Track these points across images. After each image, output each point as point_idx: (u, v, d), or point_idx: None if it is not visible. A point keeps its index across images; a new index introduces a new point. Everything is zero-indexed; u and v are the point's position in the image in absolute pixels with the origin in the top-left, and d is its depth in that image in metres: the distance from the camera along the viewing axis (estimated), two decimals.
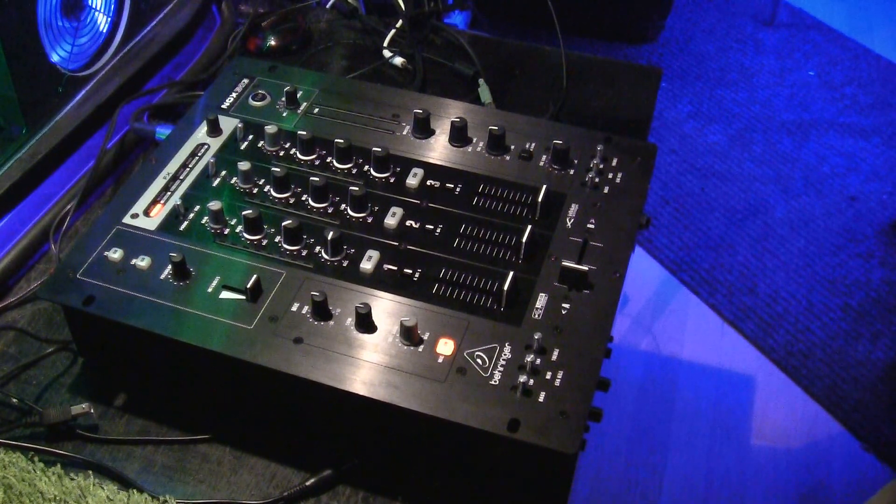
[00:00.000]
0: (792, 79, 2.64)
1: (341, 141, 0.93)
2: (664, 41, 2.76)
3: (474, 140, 0.96)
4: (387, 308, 0.81)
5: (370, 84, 1.05)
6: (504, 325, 0.79)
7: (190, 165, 0.94)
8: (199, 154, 0.95)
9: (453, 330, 0.78)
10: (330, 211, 0.89)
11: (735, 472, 1.76)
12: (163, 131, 1.11)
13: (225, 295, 0.82)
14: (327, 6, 1.33)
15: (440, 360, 0.76)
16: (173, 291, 0.82)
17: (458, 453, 0.78)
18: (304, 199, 0.90)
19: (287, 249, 0.86)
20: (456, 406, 0.73)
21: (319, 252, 0.85)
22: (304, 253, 0.85)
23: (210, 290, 0.82)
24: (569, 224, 0.87)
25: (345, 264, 0.84)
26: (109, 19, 1.16)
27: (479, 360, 0.76)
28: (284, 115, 1.00)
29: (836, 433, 1.83)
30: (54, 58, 1.07)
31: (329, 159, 0.94)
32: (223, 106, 1.01)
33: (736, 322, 2.01)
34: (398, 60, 1.23)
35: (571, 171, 0.92)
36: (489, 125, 0.95)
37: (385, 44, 1.25)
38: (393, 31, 1.26)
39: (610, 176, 0.92)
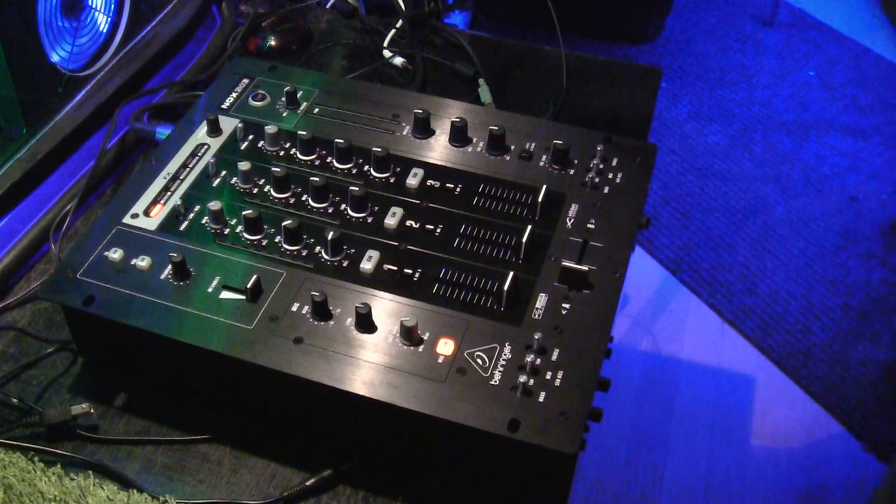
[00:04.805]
0: (792, 79, 2.64)
1: (341, 141, 0.93)
2: (664, 41, 2.76)
3: (474, 140, 0.96)
4: (387, 308, 0.81)
5: (370, 84, 1.05)
6: (504, 325, 0.79)
7: (190, 165, 0.94)
8: (199, 154, 0.95)
9: (453, 330, 0.78)
10: (330, 211, 0.89)
11: (735, 472, 1.76)
12: (163, 131, 1.11)
13: (225, 295, 0.82)
14: (327, 6, 1.33)
15: (440, 360, 0.76)
16: (173, 291, 0.82)
17: (458, 453, 0.78)
18: (304, 199, 0.90)
19: (287, 249, 0.86)
20: (456, 406, 0.73)
21: (319, 252, 0.85)
22: (304, 253, 0.85)
23: (210, 290, 0.82)
24: (569, 224, 0.87)
25: (345, 264, 0.84)
26: (109, 19, 1.16)
27: (479, 360, 0.76)
28: (284, 115, 1.00)
29: (836, 433, 1.83)
30: (54, 58, 1.07)
31: (329, 159, 0.94)
32: (223, 106, 1.01)
33: (736, 322, 2.01)
34: (398, 60, 1.23)
35: (571, 171, 0.92)
36: (489, 125, 0.95)
37: (385, 44, 1.25)
38: (393, 31, 1.26)
39: (610, 176, 0.92)
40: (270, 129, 0.96)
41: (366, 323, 0.79)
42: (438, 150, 0.96)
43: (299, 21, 1.28)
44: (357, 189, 0.88)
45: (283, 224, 0.85)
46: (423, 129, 0.97)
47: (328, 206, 0.90)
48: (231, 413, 0.85)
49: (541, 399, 0.73)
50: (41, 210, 1.05)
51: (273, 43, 1.25)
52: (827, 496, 1.73)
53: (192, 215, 0.89)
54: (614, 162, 0.93)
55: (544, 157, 0.94)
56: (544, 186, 0.88)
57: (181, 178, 0.93)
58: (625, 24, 2.72)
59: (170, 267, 0.83)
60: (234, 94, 1.02)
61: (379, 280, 0.83)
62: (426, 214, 0.89)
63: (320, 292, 0.79)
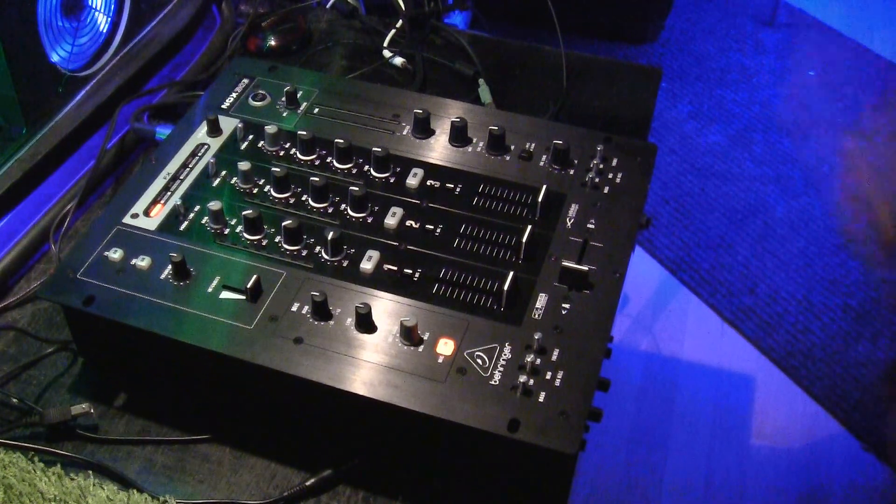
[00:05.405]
0: (792, 79, 2.64)
1: (341, 141, 0.93)
2: (664, 41, 2.76)
3: (474, 140, 0.96)
4: (387, 308, 0.81)
5: (370, 84, 1.05)
6: (504, 325, 0.79)
7: (190, 165, 0.94)
8: (199, 154, 0.95)
9: (453, 330, 0.78)
10: (330, 211, 0.89)
11: (735, 473, 1.76)
12: (163, 131, 1.11)
13: (225, 295, 0.82)
14: (327, 6, 1.33)
15: (440, 360, 0.76)
16: (173, 291, 0.82)
17: (458, 453, 0.78)
18: (304, 199, 0.90)
19: (287, 249, 0.86)
20: (456, 406, 0.73)
21: (319, 252, 0.85)
22: (304, 253, 0.85)
23: (210, 290, 0.82)
24: (569, 224, 0.87)
25: (345, 264, 0.84)
26: (109, 19, 1.16)
27: (479, 360, 0.76)
28: (284, 115, 1.00)
29: (836, 433, 1.83)
30: (54, 58, 1.07)
31: (329, 159, 0.94)
32: (223, 106, 1.01)
33: (736, 322, 2.01)
34: (398, 60, 1.23)
35: (571, 171, 0.92)
36: (489, 125, 0.95)
37: (385, 44, 1.25)
38: (393, 31, 1.26)
39: (610, 176, 0.92)
40: (270, 129, 0.96)
41: (366, 323, 0.79)
42: (438, 150, 0.96)
43: (299, 21, 1.28)
44: (357, 189, 0.88)
45: (283, 224, 0.85)
46: (423, 129, 0.97)
47: (328, 206, 0.90)
48: (231, 413, 0.85)
49: (541, 399, 0.73)
50: (41, 210, 1.05)
51: (273, 43, 1.25)
52: (827, 496, 1.73)
53: (192, 215, 0.89)
54: (614, 162, 0.93)
55: (544, 157, 0.94)
56: (544, 186, 0.88)
57: (181, 178, 0.93)
58: (625, 24, 2.72)
59: (170, 267, 0.83)
60: (234, 94, 1.02)
61: (379, 280, 0.83)
62: (426, 214, 0.89)
63: (320, 292, 0.79)
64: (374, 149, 0.92)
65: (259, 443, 0.84)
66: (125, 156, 1.12)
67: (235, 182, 0.92)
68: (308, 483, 0.80)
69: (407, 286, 0.82)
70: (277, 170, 0.90)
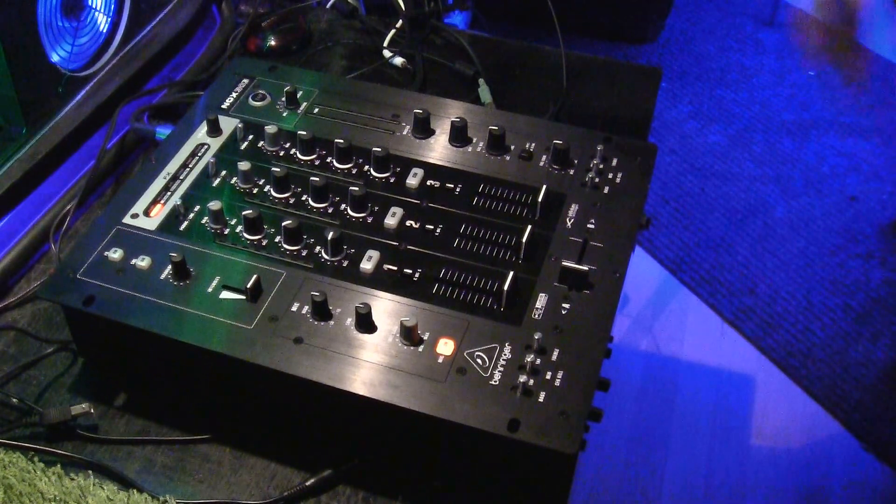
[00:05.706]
0: (792, 79, 2.64)
1: (341, 141, 0.93)
2: (664, 41, 2.76)
3: (474, 140, 0.96)
4: (387, 308, 0.81)
5: (370, 84, 1.05)
6: (504, 325, 0.79)
7: (190, 165, 0.94)
8: (199, 154, 0.95)
9: (453, 330, 0.78)
10: (330, 211, 0.89)
11: (735, 473, 1.76)
12: (163, 131, 1.11)
13: (225, 295, 0.82)
14: (327, 6, 1.33)
15: (440, 360, 0.76)
16: (173, 291, 0.82)
17: (458, 453, 0.78)
18: (304, 199, 0.90)
19: (287, 249, 0.86)
20: (456, 406, 0.73)
21: (319, 252, 0.85)
22: (304, 253, 0.85)
23: (210, 290, 0.82)
24: (569, 224, 0.87)
25: (345, 264, 0.84)
26: (109, 19, 1.16)
27: (479, 360, 0.76)
28: (284, 115, 1.00)
29: (836, 433, 1.83)
30: (54, 58, 1.07)
31: (329, 159, 0.94)
32: (223, 106, 1.01)
33: (736, 322, 2.01)
34: (398, 60, 1.23)
35: (571, 171, 0.92)
36: (489, 125, 0.95)
37: (385, 44, 1.25)
38: (393, 31, 1.26)
39: (610, 176, 0.92)
40: (270, 129, 0.96)
41: (366, 323, 0.79)
42: (438, 150, 0.96)
43: (299, 21, 1.28)
44: (357, 189, 0.88)
45: (283, 224, 0.85)
46: (423, 129, 0.97)
47: (328, 206, 0.90)
48: (231, 413, 0.85)
49: (541, 399, 0.73)
50: (41, 210, 1.05)
51: (273, 43, 1.25)
52: (827, 496, 1.73)
53: (192, 215, 0.89)
54: (614, 162, 0.93)
55: (544, 157, 0.94)
56: (544, 186, 0.88)
57: (181, 178, 0.93)
58: (625, 24, 2.72)
59: (170, 267, 0.83)
60: (234, 94, 1.02)
61: (379, 280, 0.83)
62: (426, 214, 0.89)
63: (320, 292, 0.79)
64: (374, 149, 0.92)
65: (259, 443, 0.84)
66: (125, 156, 1.12)
67: (235, 182, 0.92)
68: (308, 483, 0.80)
69: (407, 286, 0.82)
70: (277, 170, 0.90)
